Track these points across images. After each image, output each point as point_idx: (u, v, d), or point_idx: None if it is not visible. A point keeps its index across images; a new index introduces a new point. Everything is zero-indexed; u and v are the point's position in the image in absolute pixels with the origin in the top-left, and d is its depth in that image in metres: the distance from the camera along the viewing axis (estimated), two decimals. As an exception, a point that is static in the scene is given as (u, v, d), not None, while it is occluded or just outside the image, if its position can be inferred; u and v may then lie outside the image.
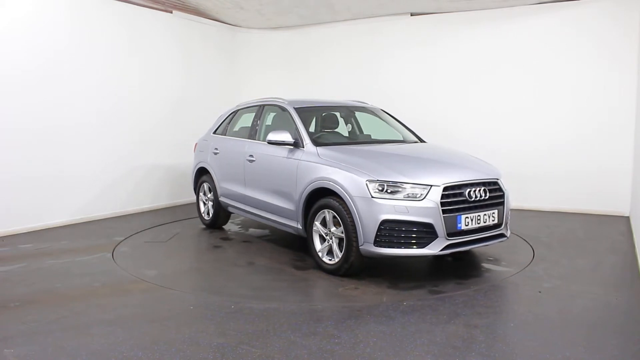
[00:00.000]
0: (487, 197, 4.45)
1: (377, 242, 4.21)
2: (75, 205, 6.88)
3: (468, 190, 4.35)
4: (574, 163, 7.48)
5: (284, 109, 5.65)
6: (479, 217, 4.39)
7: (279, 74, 9.64)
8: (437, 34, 8.35)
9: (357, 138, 5.92)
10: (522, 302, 3.97)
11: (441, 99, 8.35)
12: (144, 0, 7.68)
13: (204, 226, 6.78)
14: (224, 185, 6.30)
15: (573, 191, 7.52)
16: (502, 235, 4.67)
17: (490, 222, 4.49)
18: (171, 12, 8.23)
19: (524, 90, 7.78)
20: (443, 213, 4.18)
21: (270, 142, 5.23)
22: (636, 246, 5.38)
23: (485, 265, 4.94)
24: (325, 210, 4.61)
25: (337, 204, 4.45)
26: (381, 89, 8.57)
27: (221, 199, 6.38)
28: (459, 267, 4.89)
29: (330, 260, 4.62)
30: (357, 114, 6.22)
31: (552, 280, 4.44)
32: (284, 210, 5.20)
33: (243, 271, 4.90)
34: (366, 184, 4.28)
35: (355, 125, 6.19)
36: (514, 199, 7.77)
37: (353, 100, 6.49)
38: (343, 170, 4.52)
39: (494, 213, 4.51)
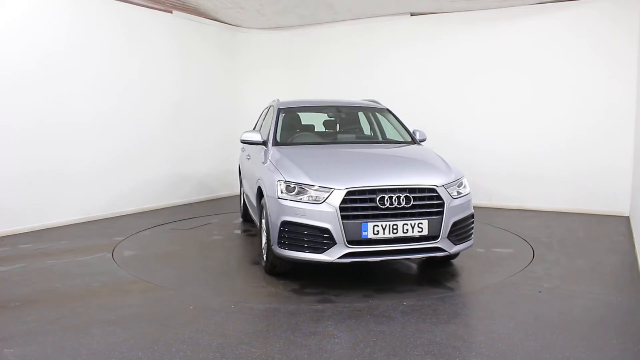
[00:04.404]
0: (408, 205, 4.03)
1: (280, 244, 4.19)
2: (75, 205, 6.88)
3: (381, 196, 4.00)
4: (574, 163, 7.48)
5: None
6: (395, 227, 3.99)
7: (279, 73, 9.65)
8: (437, 34, 8.35)
9: (336, 139, 5.74)
10: (522, 302, 3.96)
11: (441, 99, 8.34)
12: (144, 0, 7.68)
13: (241, 219, 7.18)
14: (243, 182, 6.64)
15: (573, 191, 7.52)
16: (436, 250, 4.16)
17: (415, 233, 4.05)
18: (171, 12, 8.23)
19: (524, 90, 7.78)
20: (344, 219, 3.95)
21: (242, 142, 5.36)
22: (636, 246, 5.38)
23: (484, 265, 4.94)
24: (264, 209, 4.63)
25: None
26: (381, 89, 8.54)
27: (243, 195, 6.72)
28: (452, 267, 4.90)
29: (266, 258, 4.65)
30: (356, 114, 6.15)
31: (552, 280, 4.44)
32: (254, 208, 5.36)
33: (204, 261, 5.22)
34: (277, 184, 4.27)
35: (360, 126, 6.12)
36: (514, 199, 7.84)
37: (366, 100, 6.33)
38: (269, 170, 4.55)
39: (420, 223, 4.06)
